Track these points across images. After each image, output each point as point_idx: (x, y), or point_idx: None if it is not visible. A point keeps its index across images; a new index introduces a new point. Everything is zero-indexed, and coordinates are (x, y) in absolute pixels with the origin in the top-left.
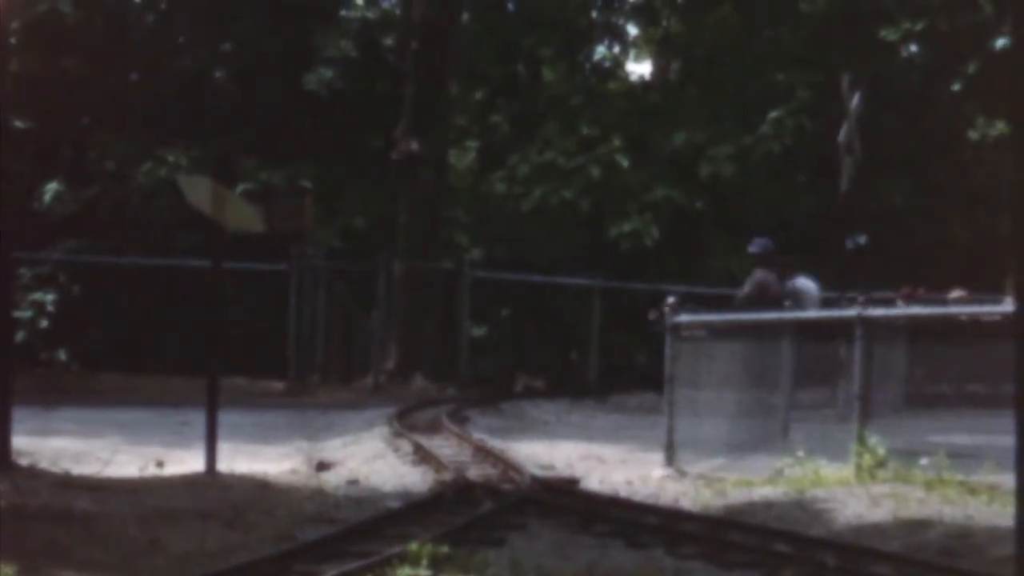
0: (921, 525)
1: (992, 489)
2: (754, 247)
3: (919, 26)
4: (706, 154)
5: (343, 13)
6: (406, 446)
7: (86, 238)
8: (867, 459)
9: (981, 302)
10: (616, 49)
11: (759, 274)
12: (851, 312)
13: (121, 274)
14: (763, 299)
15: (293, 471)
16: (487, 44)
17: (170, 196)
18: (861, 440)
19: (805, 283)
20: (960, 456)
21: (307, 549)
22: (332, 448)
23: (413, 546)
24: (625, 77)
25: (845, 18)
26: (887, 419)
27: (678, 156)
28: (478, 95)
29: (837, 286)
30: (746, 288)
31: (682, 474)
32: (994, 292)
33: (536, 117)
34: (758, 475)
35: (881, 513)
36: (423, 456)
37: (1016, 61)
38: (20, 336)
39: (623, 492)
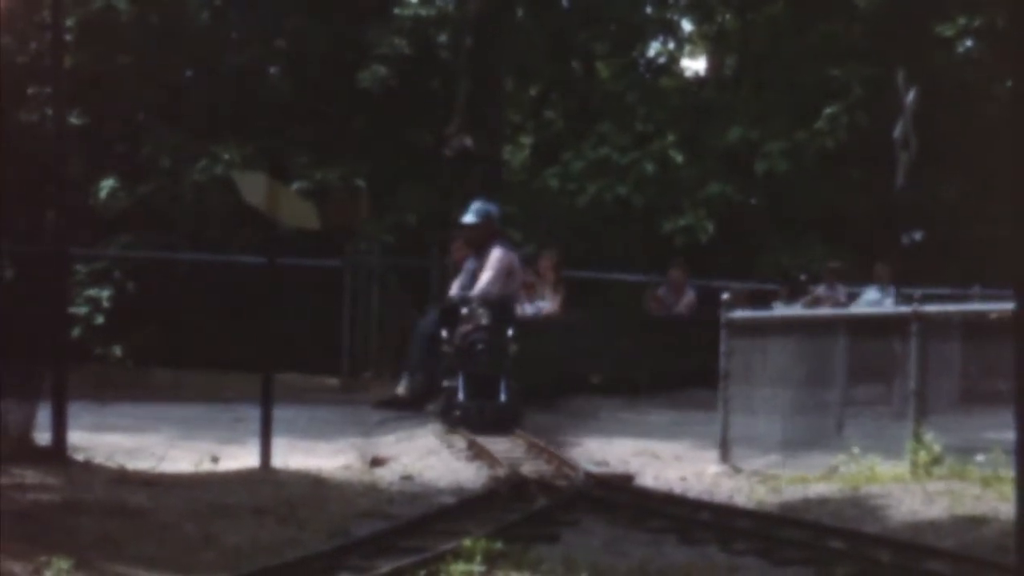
0: (977, 522)
1: None
2: (471, 216)
3: (976, 22)
4: (760, 150)
5: (396, 10)
6: (459, 442)
7: (141, 234)
8: (923, 456)
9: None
10: (671, 45)
11: (501, 256)
12: (906, 308)
13: (175, 270)
14: (511, 288)
15: (347, 467)
16: (541, 40)
17: (225, 192)
18: (917, 437)
19: None
20: None
21: (361, 544)
22: (386, 444)
23: (467, 542)
24: (680, 73)
25: (900, 13)
26: (943, 416)
27: (732, 152)
28: (532, 91)
29: (893, 282)
30: (489, 276)
31: (736, 471)
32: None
33: (590, 113)
34: (813, 472)
35: (936, 510)
36: (477, 452)
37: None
38: (76, 332)
39: (677, 489)
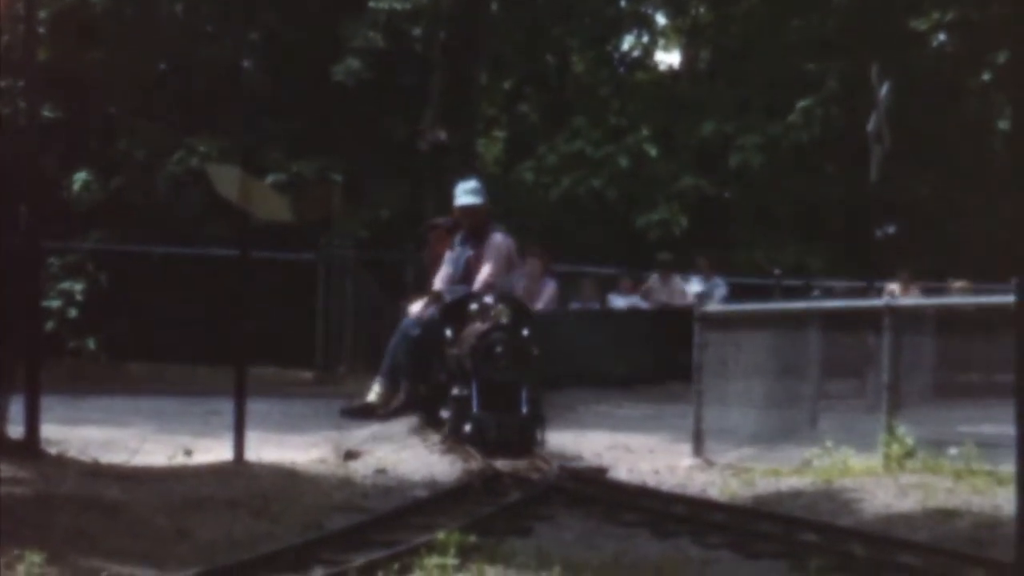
0: (949, 515)
1: None
2: (472, 196)
3: (949, 16)
4: (735, 143)
5: (371, 3)
6: (434, 436)
7: (115, 227)
8: (895, 449)
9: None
10: (645, 39)
11: (501, 242)
12: (879, 302)
13: (149, 263)
14: (511, 280)
15: (321, 460)
16: (515, 34)
17: (199, 185)
18: (890, 430)
19: None
20: (989, 446)
21: (334, 538)
22: (360, 437)
23: (441, 535)
24: (654, 67)
25: (875, 8)
26: (916, 409)
27: (707, 145)
28: (506, 85)
29: (866, 276)
30: (492, 266)
31: (710, 464)
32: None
33: (564, 107)
34: (786, 465)
35: (909, 503)
36: (451, 446)
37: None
38: (49, 325)
39: (650, 482)
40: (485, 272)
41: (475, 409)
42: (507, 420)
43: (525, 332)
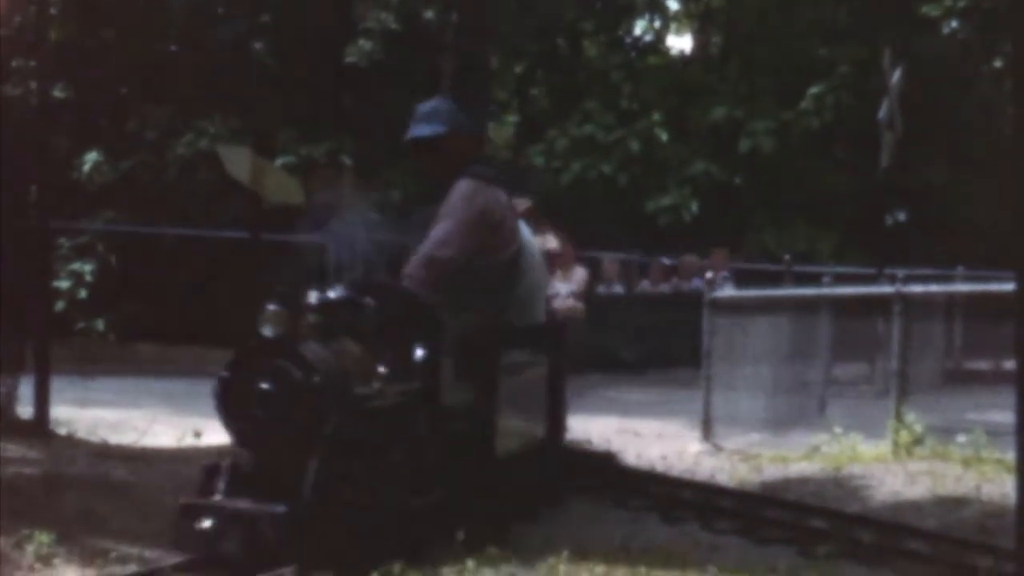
0: (958, 502)
1: None
2: (426, 124)
3: (961, 2)
4: (746, 129)
5: None
6: None
7: (125, 208)
8: (904, 436)
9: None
10: (657, 23)
11: (464, 189)
12: (889, 288)
13: (159, 245)
14: (493, 247)
15: None
16: (527, 18)
17: (209, 167)
18: (898, 417)
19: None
20: (998, 434)
21: None
22: None
23: None
24: (666, 51)
25: None
26: (925, 396)
27: (718, 131)
28: (517, 69)
29: (876, 262)
30: (443, 231)
31: (718, 449)
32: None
33: (576, 91)
34: (794, 451)
35: (918, 490)
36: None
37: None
38: (59, 306)
39: (659, 467)
40: (426, 244)
41: (219, 493)
42: (257, 518)
43: (421, 352)
